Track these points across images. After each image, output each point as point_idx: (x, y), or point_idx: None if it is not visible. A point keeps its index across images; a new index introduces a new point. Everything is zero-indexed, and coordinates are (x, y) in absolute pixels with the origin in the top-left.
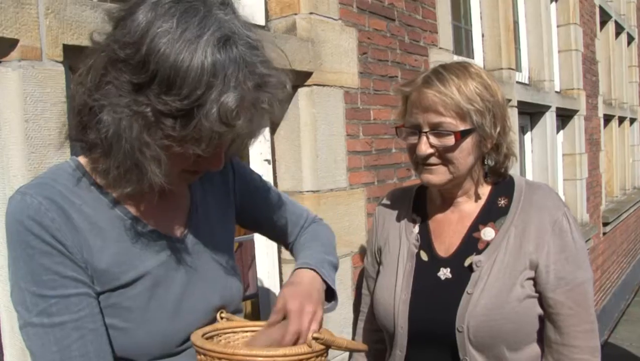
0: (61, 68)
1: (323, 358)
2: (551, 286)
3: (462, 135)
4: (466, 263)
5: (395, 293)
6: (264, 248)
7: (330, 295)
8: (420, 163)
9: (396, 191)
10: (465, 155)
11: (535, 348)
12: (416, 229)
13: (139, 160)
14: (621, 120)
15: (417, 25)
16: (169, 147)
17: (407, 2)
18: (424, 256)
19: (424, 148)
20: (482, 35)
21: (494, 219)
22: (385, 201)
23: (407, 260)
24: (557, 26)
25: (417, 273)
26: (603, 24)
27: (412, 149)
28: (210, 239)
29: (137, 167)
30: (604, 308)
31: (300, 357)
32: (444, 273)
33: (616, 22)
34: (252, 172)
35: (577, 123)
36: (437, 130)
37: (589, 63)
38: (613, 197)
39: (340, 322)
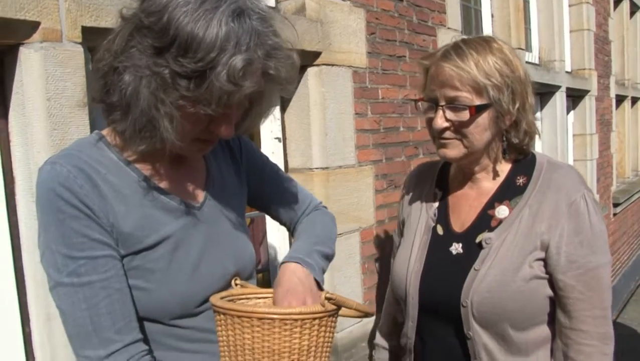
0: (80, 49)
1: (334, 318)
2: (561, 268)
3: (477, 110)
4: (477, 240)
5: (409, 264)
6: (275, 224)
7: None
8: (437, 137)
9: (423, 165)
10: (480, 130)
11: (544, 330)
12: (436, 203)
13: (153, 117)
14: (634, 100)
15: (425, 6)
16: (183, 107)
17: None
18: (439, 230)
19: (440, 122)
20: (492, 16)
21: (509, 197)
22: (411, 175)
23: (423, 233)
24: (569, 5)
25: (431, 247)
26: (617, 2)
27: (430, 123)
28: (225, 209)
29: (151, 123)
30: (613, 288)
31: (315, 315)
32: (456, 248)
33: (631, 1)
34: (261, 153)
35: (588, 103)
36: (453, 104)
37: (602, 43)
38: (624, 178)
39: (348, 295)
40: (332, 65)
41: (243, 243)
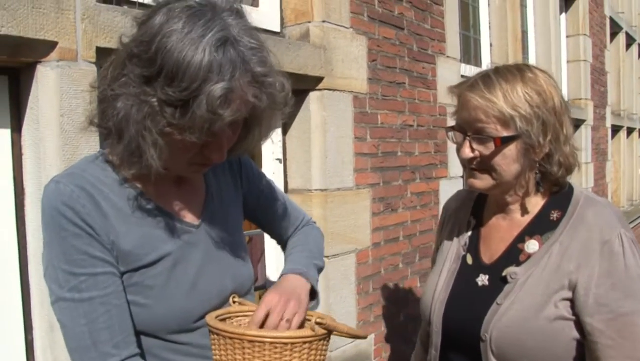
0: (94, 68)
1: (325, 342)
2: (589, 311)
3: (502, 142)
4: (503, 273)
5: (436, 291)
6: (273, 242)
7: (312, 295)
8: (467, 166)
9: (462, 191)
10: (509, 162)
11: None
12: (469, 232)
13: (140, 144)
14: (630, 130)
15: (426, 34)
16: (170, 134)
17: (417, 12)
18: (469, 259)
19: (467, 151)
20: (490, 45)
21: (541, 232)
22: (451, 200)
23: (453, 261)
24: (567, 36)
25: (458, 276)
26: (614, 35)
27: (457, 151)
28: (224, 228)
29: (138, 149)
30: None
31: (304, 340)
32: (482, 279)
33: (627, 34)
34: (258, 170)
35: (584, 132)
36: (479, 135)
37: (598, 74)
38: (620, 207)
39: (343, 315)
40: (334, 90)
41: (241, 260)
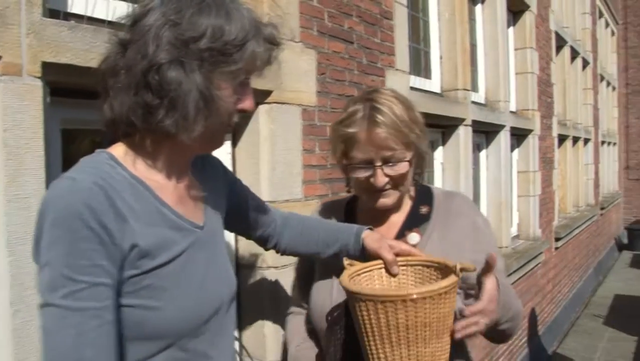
0: (39, 83)
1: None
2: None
3: (411, 162)
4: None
5: (332, 298)
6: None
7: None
8: (374, 192)
9: (326, 203)
10: (409, 176)
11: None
12: None
13: (210, 94)
14: (575, 140)
15: (375, 48)
16: (219, 83)
17: (366, 26)
18: None
19: (381, 180)
20: (440, 57)
21: (418, 225)
22: (317, 213)
23: (340, 269)
24: (514, 49)
25: None
26: (559, 48)
27: (364, 182)
28: (218, 231)
29: (207, 100)
30: (555, 319)
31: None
32: None
33: (572, 47)
34: (233, 174)
35: (532, 142)
36: (390, 162)
37: (545, 85)
38: (566, 214)
39: None
40: (283, 103)
41: (230, 265)
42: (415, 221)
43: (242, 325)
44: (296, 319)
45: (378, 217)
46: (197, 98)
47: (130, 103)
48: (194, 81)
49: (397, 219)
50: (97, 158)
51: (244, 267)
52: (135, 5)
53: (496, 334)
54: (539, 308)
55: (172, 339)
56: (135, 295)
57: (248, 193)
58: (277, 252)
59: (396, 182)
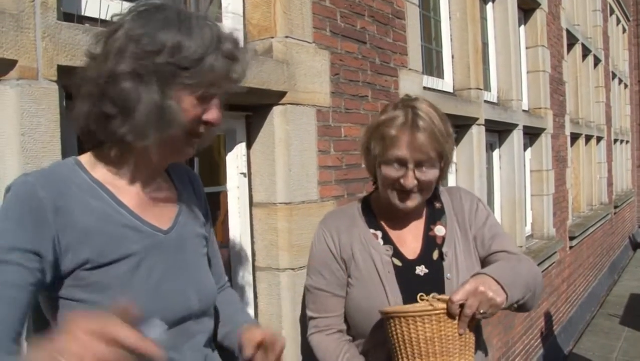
0: (55, 86)
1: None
2: (487, 243)
3: (440, 170)
4: (434, 257)
5: (388, 299)
6: (240, 257)
7: None
8: (404, 192)
9: (336, 212)
10: (435, 180)
11: None
12: (380, 241)
13: (163, 105)
14: (588, 138)
15: (388, 48)
16: (179, 95)
17: (379, 26)
18: (397, 262)
19: (411, 181)
20: (452, 57)
21: (439, 218)
22: (330, 223)
23: (385, 269)
24: (526, 48)
25: (398, 277)
26: (570, 46)
27: (394, 181)
28: (191, 241)
29: (161, 110)
30: (570, 319)
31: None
32: (421, 269)
33: (583, 45)
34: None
35: (544, 141)
36: (422, 166)
37: (556, 83)
38: (580, 212)
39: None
40: (297, 104)
41: (206, 276)
42: (435, 216)
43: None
44: (332, 337)
45: (401, 219)
46: (150, 108)
47: (90, 113)
48: (149, 92)
49: (420, 217)
50: (62, 162)
51: (260, 269)
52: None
53: (519, 308)
54: (554, 308)
55: None
56: (87, 290)
57: (213, 238)
58: None
59: (422, 187)
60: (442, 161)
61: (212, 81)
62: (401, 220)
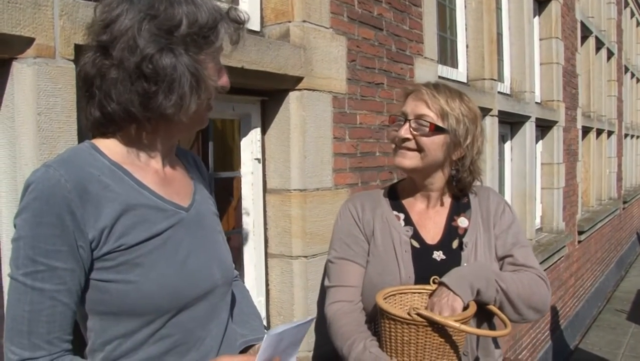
0: (72, 66)
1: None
2: (508, 247)
3: (436, 128)
4: (454, 246)
5: (401, 276)
6: (251, 242)
7: None
8: (398, 146)
9: (363, 193)
10: (436, 147)
11: None
12: (402, 223)
13: (199, 74)
14: (599, 132)
15: (404, 35)
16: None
17: (395, 13)
18: (415, 244)
19: (405, 130)
20: (467, 46)
21: (464, 212)
22: (356, 200)
23: (402, 248)
24: (540, 39)
25: (414, 258)
26: (584, 39)
27: (395, 135)
28: (208, 217)
29: (197, 80)
30: (577, 313)
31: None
32: (438, 255)
33: (597, 38)
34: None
35: (556, 133)
36: (419, 119)
37: (569, 76)
38: (589, 207)
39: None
40: (314, 90)
41: (225, 250)
42: (460, 208)
43: (271, 313)
44: (351, 317)
45: (425, 205)
46: (189, 78)
47: (127, 94)
48: (184, 64)
49: (444, 207)
50: (79, 147)
51: (272, 256)
52: (99, 9)
53: (521, 320)
54: (561, 302)
55: (153, 315)
56: (116, 271)
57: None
58: None
59: (419, 145)
60: (450, 135)
61: (225, 47)
62: (425, 207)
